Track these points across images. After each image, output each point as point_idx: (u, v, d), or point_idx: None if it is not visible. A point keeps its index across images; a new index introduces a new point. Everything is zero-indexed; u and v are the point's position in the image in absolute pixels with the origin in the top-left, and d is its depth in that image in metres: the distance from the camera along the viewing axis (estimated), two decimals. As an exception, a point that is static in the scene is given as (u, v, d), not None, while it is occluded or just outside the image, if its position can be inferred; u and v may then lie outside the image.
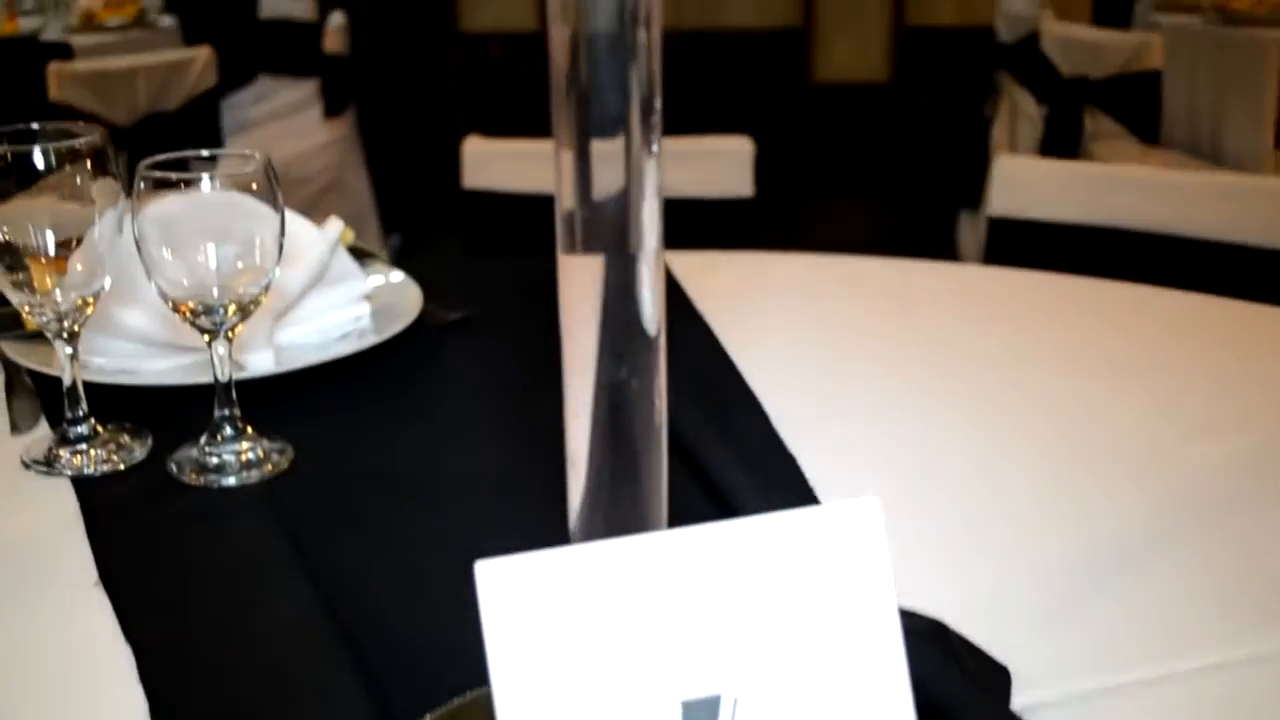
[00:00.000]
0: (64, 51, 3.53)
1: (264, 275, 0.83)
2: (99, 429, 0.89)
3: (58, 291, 0.84)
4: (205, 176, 0.80)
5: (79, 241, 0.83)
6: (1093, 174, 1.73)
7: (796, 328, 1.17)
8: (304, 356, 1.00)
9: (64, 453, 0.87)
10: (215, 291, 0.82)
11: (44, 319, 0.85)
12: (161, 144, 2.86)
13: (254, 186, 0.81)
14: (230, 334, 0.84)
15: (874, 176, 6.40)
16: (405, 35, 6.90)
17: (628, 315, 0.62)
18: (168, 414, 0.94)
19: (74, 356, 0.87)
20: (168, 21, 4.19)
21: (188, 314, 0.83)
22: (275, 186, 0.82)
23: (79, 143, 0.83)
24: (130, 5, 4.12)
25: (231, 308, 0.82)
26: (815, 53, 6.91)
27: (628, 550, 0.43)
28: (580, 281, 0.60)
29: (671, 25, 7.20)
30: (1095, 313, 1.23)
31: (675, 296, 1.23)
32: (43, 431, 0.93)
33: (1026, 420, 0.96)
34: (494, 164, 1.93)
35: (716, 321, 1.16)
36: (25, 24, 3.83)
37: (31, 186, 0.82)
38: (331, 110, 3.88)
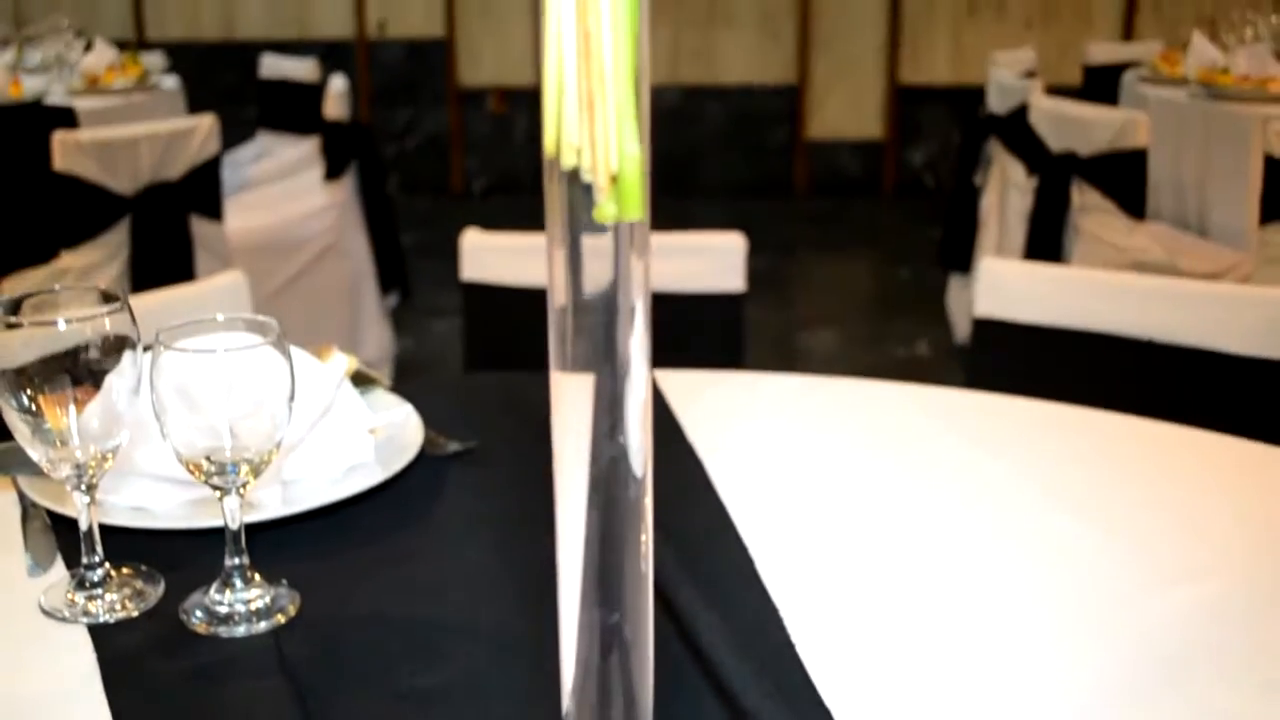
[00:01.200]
0: (68, 117, 3.58)
1: (275, 436, 0.87)
2: (113, 573, 0.93)
3: (77, 449, 0.88)
4: (220, 347, 0.84)
5: (96, 389, 0.87)
6: (1075, 279, 1.77)
7: (784, 460, 1.22)
8: (311, 495, 1.04)
9: (80, 598, 0.91)
10: (228, 453, 0.86)
11: (63, 473, 0.89)
12: (164, 212, 2.91)
13: (266, 353, 0.85)
14: (241, 491, 0.88)
15: (867, 231, 6.46)
16: (406, 91, 6.97)
17: (615, 455, 0.66)
18: (180, 552, 0.98)
19: (91, 504, 0.91)
20: (170, 83, 4.25)
21: (201, 473, 0.87)
22: (287, 352, 0.86)
23: (101, 311, 0.87)
24: (133, 67, 4.18)
25: (244, 468, 0.87)
26: (810, 109, 6.99)
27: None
28: (572, 401, 0.64)
29: (669, 81, 7.35)
30: (1072, 443, 1.27)
31: (666, 423, 1.27)
32: (59, 574, 0.96)
33: (998, 564, 1.00)
34: (491, 257, 1.97)
35: (706, 450, 1.20)
36: (30, 84, 3.88)
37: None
38: (332, 173, 3.93)
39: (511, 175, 7.15)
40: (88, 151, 3.10)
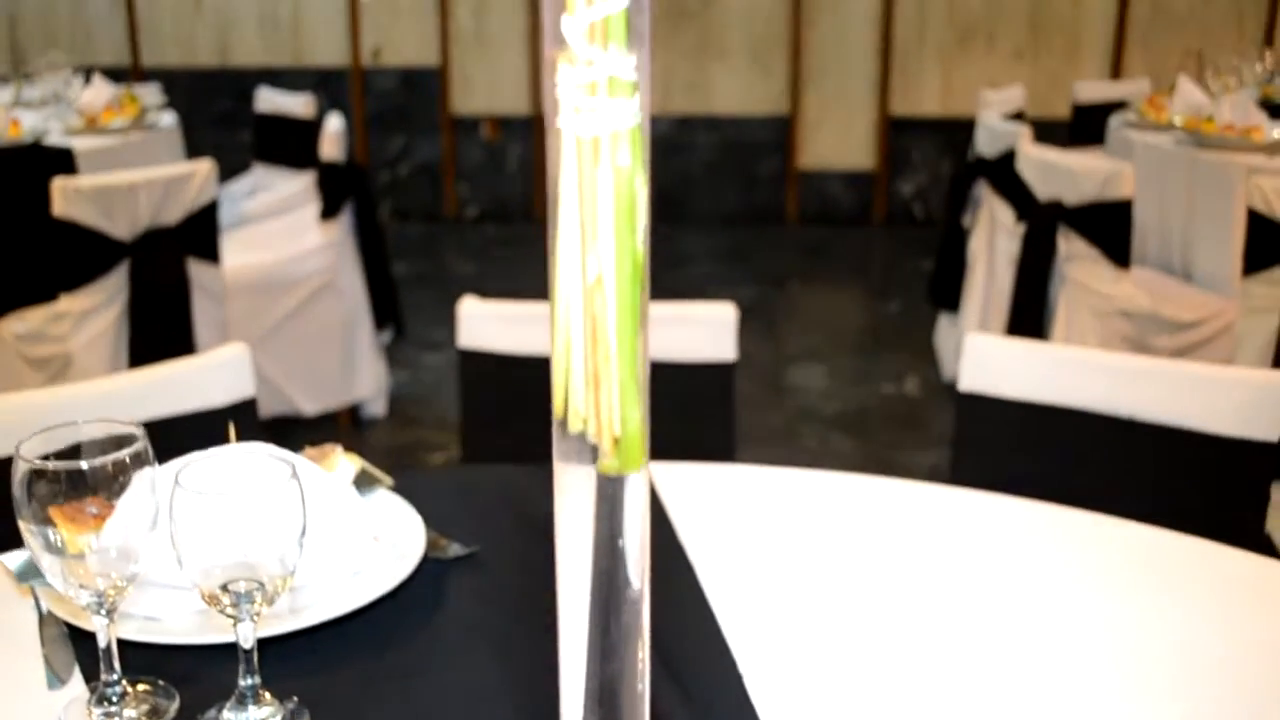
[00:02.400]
0: (67, 159, 3.62)
1: (289, 568, 0.91)
2: (130, 689, 0.97)
3: (98, 578, 0.92)
4: (235, 486, 0.88)
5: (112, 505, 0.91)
6: (1058, 357, 1.82)
7: (773, 564, 1.26)
8: (319, 603, 1.07)
9: (99, 715, 0.95)
10: (242, 585, 0.90)
11: (84, 600, 0.93)
12: (161, 257, 2.94)
13: (281, 491, 0.89)
14: (255, 618, 0.92)
15: (857, 262, 6.51)
16: (400, 119, 7.02)
17: (614, 567, 0.71)
18: (192, 665, 1.02)
19: (110, 624, 0.95)
20: (168, 120, 4.28)
21: (217, 604, 0.91)
22: (300, 492, 0.91)
23: (124, 454, 0.91)
24: (131, 106, 4.22)
25: (257, 599, 0.91)
26: (801, 140, 7.04)
27: None
28: (574, 495, 0.68)
29: (662, 110, 7.42)
30: (1056, 548, 1.32)
31: (660, 524, 1.31)
32: (77, 687, 1.00)
33: (986, 677, 1.05)
34: (487, 325, 2.01)
35: (698, 552, 1.24)
36: (28, 121, 3.91)
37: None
38: (328, 213, 3.97)
39: (503, 202, 7.19)
40: (87, 197, 3.14)
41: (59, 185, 3.11)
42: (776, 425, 4.19)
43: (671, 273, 6.18)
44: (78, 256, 3.19)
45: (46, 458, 0.91)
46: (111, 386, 1.71)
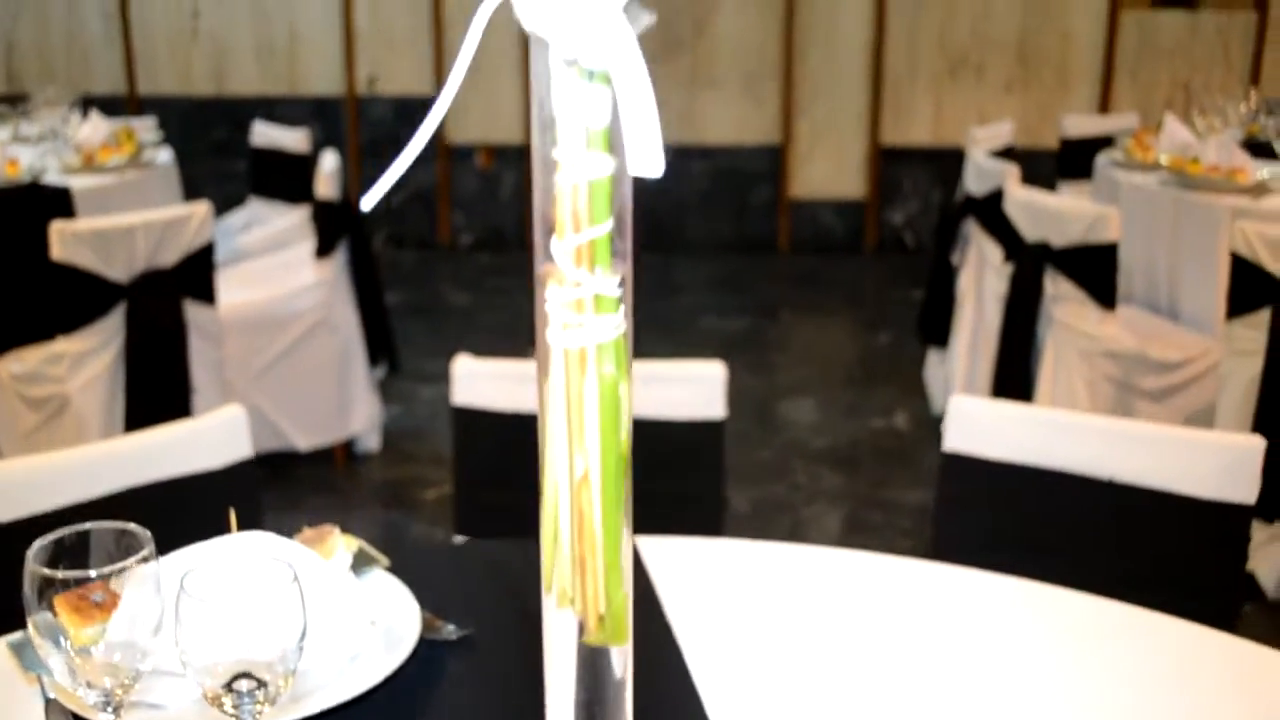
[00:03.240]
0: (64, 199, 3.66)
1: (290, 668, 0.95)
2: (134, 781, 1.00)
3: (106, 677, 0.95)
4: (238, 593, 0.92)
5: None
6: (1039, 419, 1.85)
7: (758, 643, 1.29)
8: (317, 688, 1.11)
9: (103, 808, 0.98)
10: (244, 685, 0.93)
11: (91, 700, 0.96)
12: (158, 299, 2.98)
13: (281, 596, 0.93)
14: (256, 718, 0.95)
15: (848, 291, 6.55)
16: (394, 147, 7.05)
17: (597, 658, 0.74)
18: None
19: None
20: (164, 156, 4.32)
21: (220, 705, 0.94)
22: (301, 595, 0.94)
23: (131, 561, 0.94)
24: (128, 143, 4.26)
25: (260, 698, 0.94)
26: (793, 169, 7.09)
27: None
28: (560, 662, 0.71)
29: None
30: (1040, 627, 1.35)
31: (646, 599, 1.34)
32: (82, 777, 1.04)
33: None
34: (481, 383, 2.05)
35: (684, 629, 1.27)
36: (25, 159, 3.95)
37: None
38: (323, 251, 4.00)
39: (497, 230, 7.24)
40: (85, 241, 3.17)
41: (57, 229, 3.14)
42: (767, 461, 4.22)
43: (665, 302, 6.22)
44: (75, 299, 3.23)
45: (56, 556, 0.94)
46: (111, 450, 1.74)
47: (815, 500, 3.92)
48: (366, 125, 7.13)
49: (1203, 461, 1.76)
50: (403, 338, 4.87)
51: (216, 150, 7.11)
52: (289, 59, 7.05)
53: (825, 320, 6.05)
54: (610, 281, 0.49)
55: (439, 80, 6.97)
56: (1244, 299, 3.21)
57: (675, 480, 2.05)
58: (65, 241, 3.15)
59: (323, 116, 7.08)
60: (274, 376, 4.03)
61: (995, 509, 1.90)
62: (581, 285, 0.49)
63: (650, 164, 0.47)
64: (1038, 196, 3.60)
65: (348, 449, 4.24)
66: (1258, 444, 1.73)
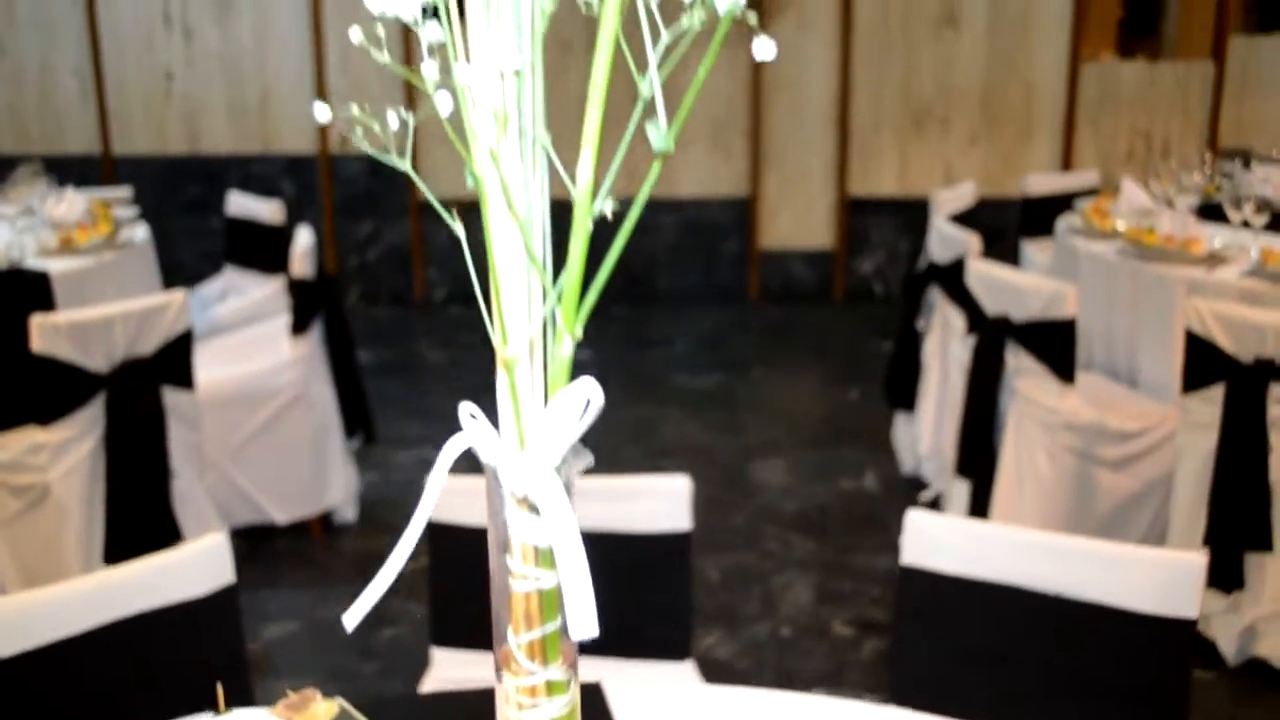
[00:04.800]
0: (43, 285, 3.71)
1: None
2: None
3: None
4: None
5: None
6: (991, 536, 1.93)
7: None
8: None
9: None
10: None
11: None
12: (137, 388, 3.04)
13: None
14: None
15: (818, 342, 6.64)
16: (368, 204, 7.13)
17: None
18: None
19: None
20: (141, 235, 4.38)
21: None
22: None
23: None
24: (104, 221, 4.32)
25: None
26: (762, 220, 7.19)
27: None
28: None
29: (625, 193, 7.54)
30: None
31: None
32: None
33: None
34: (456, 500, 2.11)
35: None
36: (2, 240, 4.01)
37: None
38: (298, 329, 4.06)
39: (470, 284, 7.30)
40: (64, 333, 3.22)
41: (37, 323, 3.20)
42: (738, 526, 4.29)
43: (636, 355, 6.30)
44: (55, 390, 3.28)
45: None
46: (95, 584, 1.79)
47: (786, 568, 3.99)
48: (340, 183, 7.20)
49: (1144, 577, 1.84)
50: (378, 398, 4.92)
51: (191, 208, 7.17)
52: (262, 117, 7.12)
53: (795, 376, 6.13)
54: (559, 669, 0.56)
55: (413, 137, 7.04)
56: (1199, 374, 3.30)
57: (643, 593, 2.11)
58: (45, 334, 3.20)
59: (296, 174, 7.15)
60: (251, 452, 4.08)
61: (951, 621, 1.97)
62: (535, 675, 0.56)
63: (585, 626, 0.54)
64: (998, 271, 3.69)
65: (325, 520, 4.30)
66: (1199, 561, 1.82)
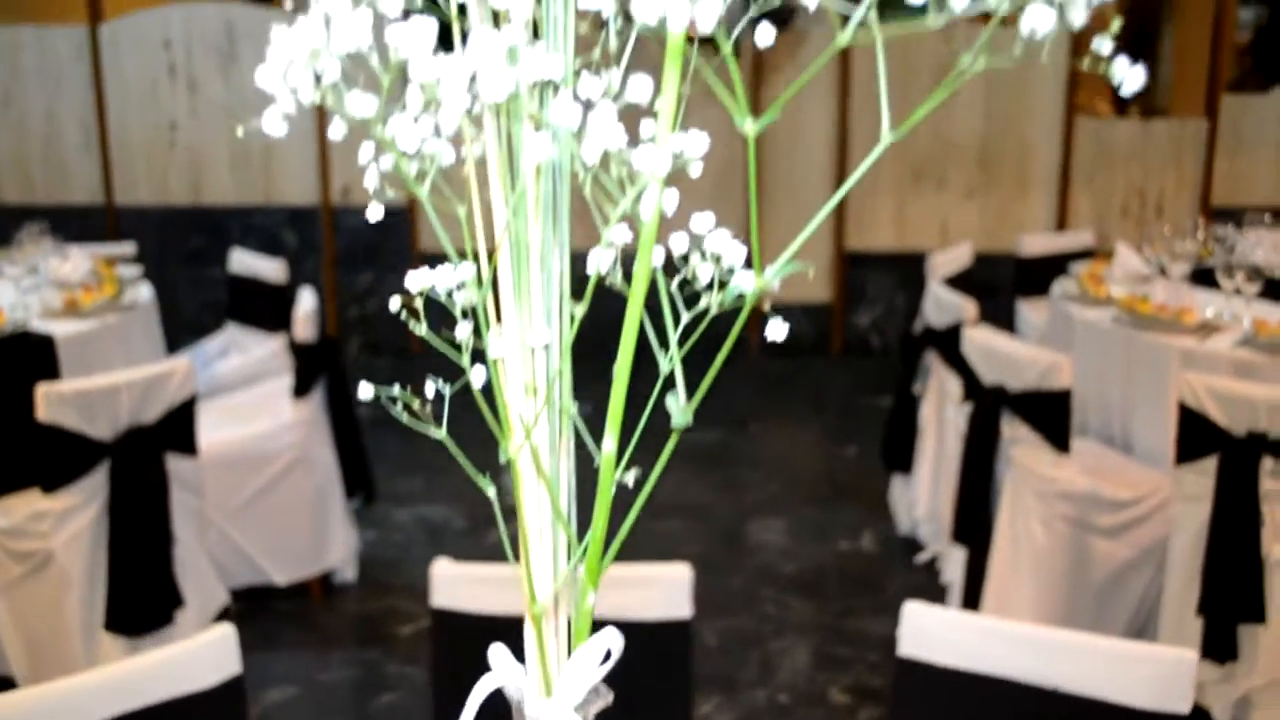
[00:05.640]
0: (48, 349, 3.75)
1: None
2: None
3: None
4: None
5: None
6: (988, 629, 1.96)
7: None
8: None
9: None
10: None
11: None
12: (141, 455, 3.07)
13: None
14: None
15: (817, 397, 6.67)
16: (369, 255, 7.19)
17: None
18: None
19: None
20: (145, 295, 4.41)
21: None
22: None
23: None
24: (108, 282, 4.36)
25: None
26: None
27: None
28: None
29: (628, 250, 7.60)
30: None
31: None
32: None
33: None
34: (461, 587, 2.14)
35: None
36: (7, 300, 4.05)
37: None
38: (300, 391, 4.10)
39: (471, 335, 7.34)
40: (69, 402, 3.26)
41: (43, 391, 3.23)
42: (736, 588, 4.32)
43: (638, 409, 6.32)
44: (60, 458, 3.31)
45: None
46: (104, 678, 1.82)
47: (784, 632, 4.01)
48: (342, 234, 7.25)
49: (1138, 673, 1.87)
50: (377, 453, 4.94)
51: (193, 258, 7.22)
52: (264, 169, 7.17)
53: (794, 431, 6.16)
54: None
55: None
56: (1192, 446, 3.34)
57: (642, 682, 2.14)
58: (50, 403, 3.24)
59: (298, 225, 7.20)
60: (251, 513, 4.11)
61: (949, 713, 2.00)
62: None
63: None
64: (994, 341, 3.73)
65: (325, 580, 4.32)
66: (1190, 657, 1.85)
